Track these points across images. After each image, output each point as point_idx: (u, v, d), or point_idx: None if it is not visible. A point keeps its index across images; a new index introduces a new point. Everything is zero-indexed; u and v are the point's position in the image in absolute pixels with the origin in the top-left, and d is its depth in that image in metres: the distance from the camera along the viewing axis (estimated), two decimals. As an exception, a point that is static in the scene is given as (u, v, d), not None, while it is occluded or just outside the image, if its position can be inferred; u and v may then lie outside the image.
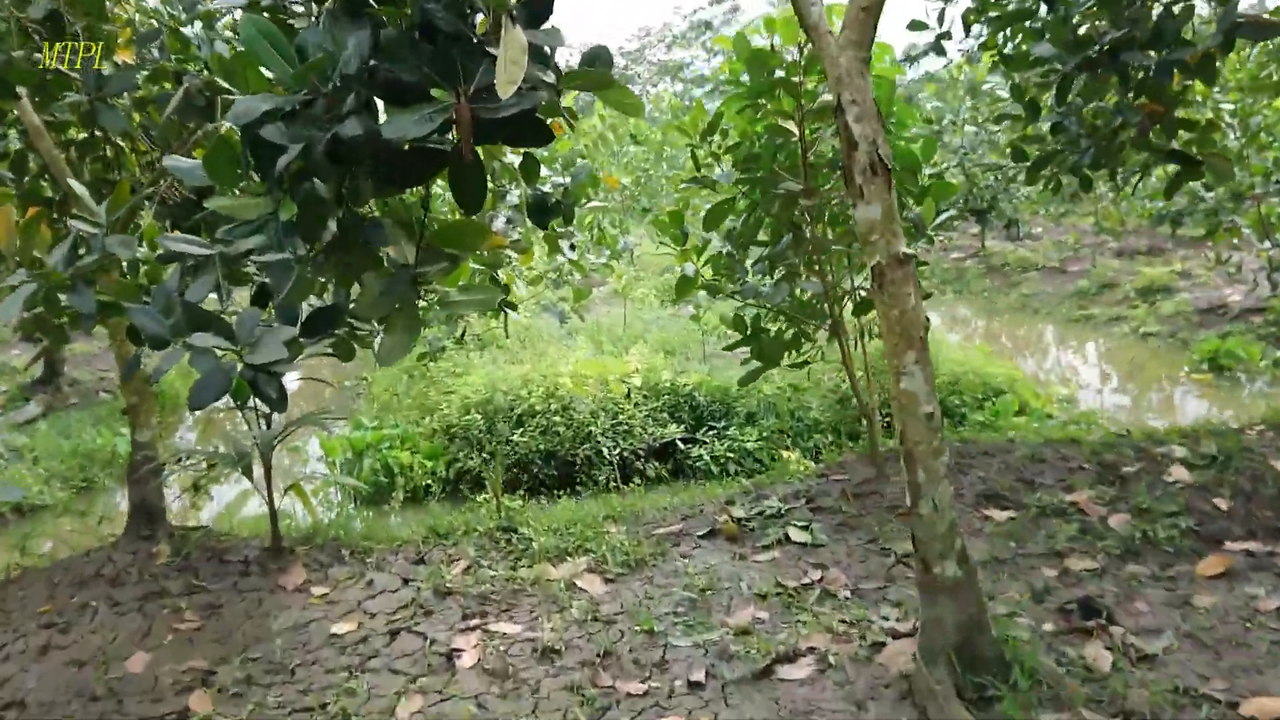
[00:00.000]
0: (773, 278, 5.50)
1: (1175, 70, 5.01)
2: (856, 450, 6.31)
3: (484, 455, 8.55)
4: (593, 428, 8.66)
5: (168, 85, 4.72)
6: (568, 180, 4.83)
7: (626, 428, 8.77)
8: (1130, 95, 5.40)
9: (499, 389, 9.16)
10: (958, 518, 3.49)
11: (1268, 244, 12.44)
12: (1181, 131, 5.60)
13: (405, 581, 4.75)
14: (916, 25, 6.15)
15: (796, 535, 4.92)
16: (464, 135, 2.24)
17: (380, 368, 5.28)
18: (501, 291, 5.09)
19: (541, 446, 8.54)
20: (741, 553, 4.88)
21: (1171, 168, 6.10)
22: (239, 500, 8.47)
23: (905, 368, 3.40)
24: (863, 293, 5.75)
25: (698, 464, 8.70)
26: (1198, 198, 11.72)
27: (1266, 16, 5.07)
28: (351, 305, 2.91)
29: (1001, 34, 6.48)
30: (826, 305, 5.54)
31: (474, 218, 2.89)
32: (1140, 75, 5.34)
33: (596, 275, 13.01)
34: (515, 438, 8.63)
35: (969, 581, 3.44)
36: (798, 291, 5.57)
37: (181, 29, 4.91)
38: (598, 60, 2.53)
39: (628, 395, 9.09)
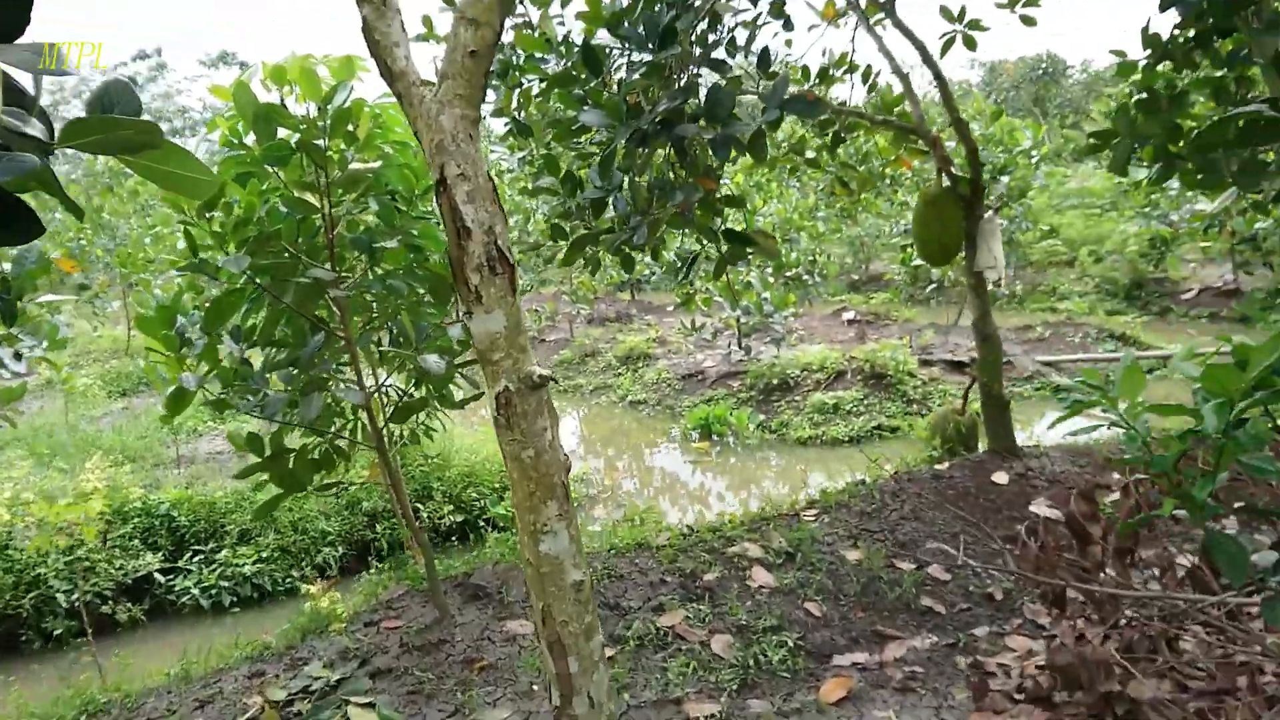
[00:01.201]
0: (298, 386, 4.45)
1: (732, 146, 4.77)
2: (402, 579, 5.37)
3: None
4: (41, 569, 6.87)
5: None
6: (8, 267, 3.49)
7: (88, 563, 7.07)
8: (683, 171, 5.12)
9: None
10: (618, 713, 2.75)
11: (737, 311, 13.34)
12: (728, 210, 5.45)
13: None
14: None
15: (360, 719, 3.90)
16: None
17: None
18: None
19: (-35, 603, 6.61)
20: (288, 756, 3.77)
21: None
22: None
23: (546, 525, 2.61)
24: (399, 395, 4.89)
25: (184, 599, 7.23)
26: (674, 266, 12.27)
27: (812, 93, 5.03)
28: None
29: (517, 97, 6.01)
30: (367, 417, 4.58)
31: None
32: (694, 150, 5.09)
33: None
34: (-79, 600, 6.60)
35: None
36: (330, 401, 4.57)
37: None
38: (116, 101, 1.49)
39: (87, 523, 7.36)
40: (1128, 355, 2.74)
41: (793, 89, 4.98)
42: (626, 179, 5.20)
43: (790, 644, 4.32)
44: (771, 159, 7.46)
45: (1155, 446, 2.71)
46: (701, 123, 4.73)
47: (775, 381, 12.35)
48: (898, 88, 6.67)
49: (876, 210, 19.57)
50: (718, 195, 5.38)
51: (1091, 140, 6.40)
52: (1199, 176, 6.27)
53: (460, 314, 2.61)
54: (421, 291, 4.63)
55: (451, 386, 4.85)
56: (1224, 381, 2.37)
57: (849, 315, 17.08)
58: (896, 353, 12.22)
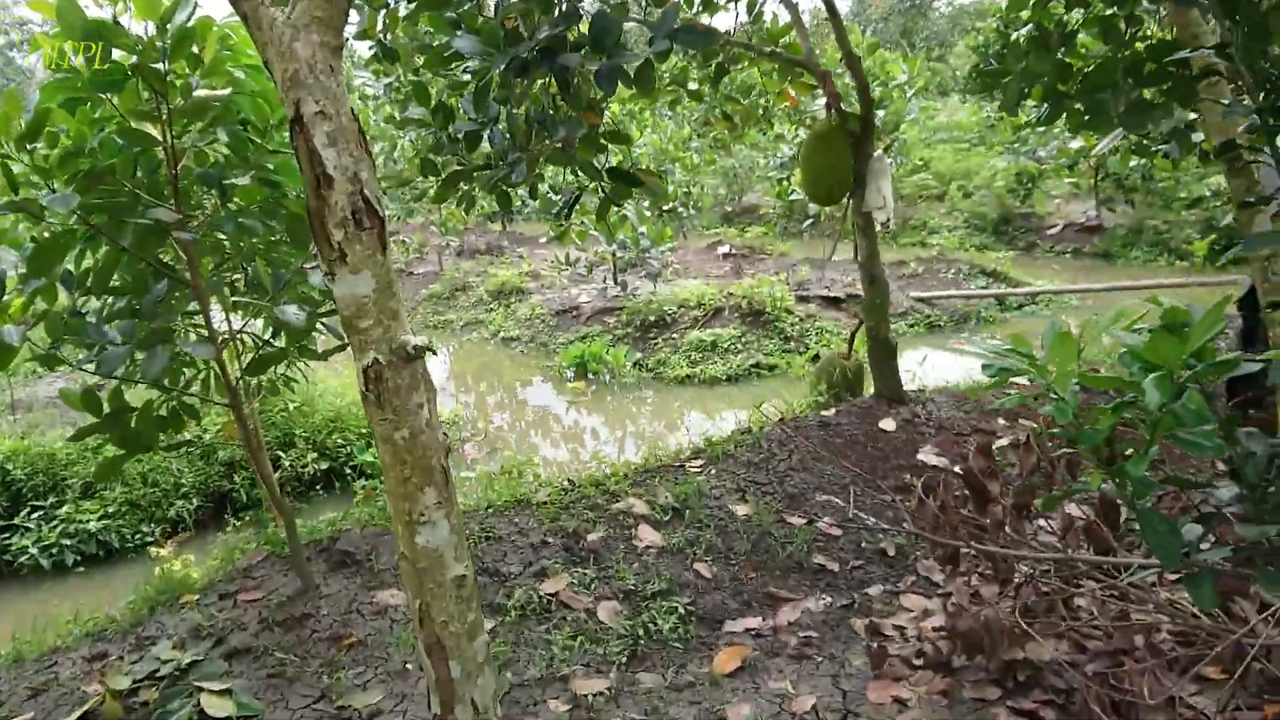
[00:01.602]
0: (140, 338, 4.00)
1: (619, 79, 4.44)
2: (262, 544, 4.97)
3: None
4: None
5: None
6: None
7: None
8: (565, 104, 4.78)
9: None
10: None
11: (614, 246, 13.06)
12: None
13: None
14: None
15: (215, 708, 3.55)
16: None
17: None
18: None
19: None
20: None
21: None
22: None
23: (423, 514, 2.32)
24: (256, 343, 4.48)
25: (22, 560, 6.71)
26: (551, 202, 11.89)
27: (705, 22, 4.72)
28: None
29: (383, 19, 5.57)
30: (220, 370, 4.16)
31: None
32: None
33: None
34: None
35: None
36: (177, 353, 4.13)
37: None
38: None
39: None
40: (1056, 324, 2.56)
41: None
42: (504, 111, 4.84)
43: (681, 610, 4.12)
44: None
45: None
46: (586, 52, 4.40)
47: (652, 318, 12.14)
48: (784, 17, 6.43)
49: (751, 141, 19.47)
50: (601, 130, 5.06)
51: (982, 78, 6.27)
52: (1086, 117, 6.24)
53: (322, 275, 2.26)
54: (279, 232, 4.21)
55: (314, 334, 4.46)
56: (1166, 353, 2.21)
57: (724, 249, 16.96)
58: (774, 289, 12.12)
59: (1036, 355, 2.52)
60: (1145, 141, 6.36)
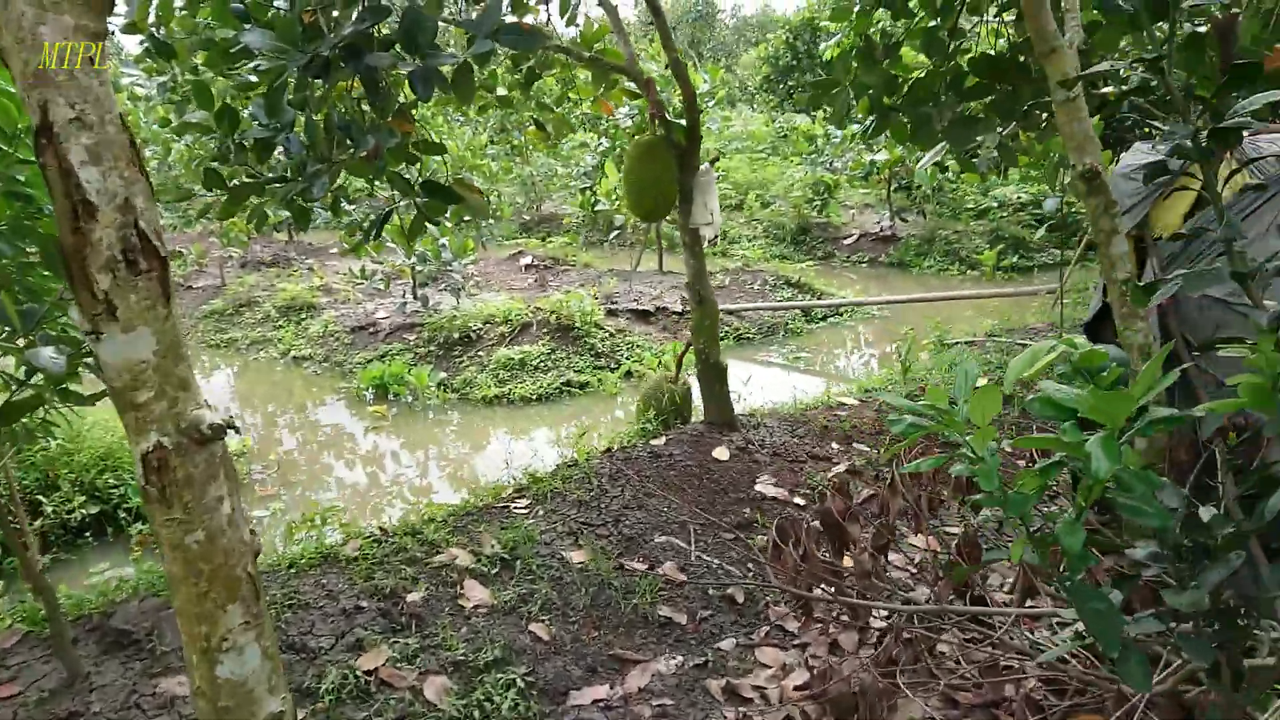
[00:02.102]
0: None
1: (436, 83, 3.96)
2: (17, 621, 4.21)
3: None
4: None
5: None
6: None
7: None
8: (373, 110, 4.26)
9: None
10: None
11: (413, 259, 12.42)
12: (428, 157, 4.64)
13: None
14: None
15: None
16: None
17: None
18: None
19: None
20: None
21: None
22: None
23: (225, 638, 1.81)
24: (6, 384, 3.76)
25: None
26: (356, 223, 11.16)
27: (531, 23, 4.29)
28: None
29: (155, 8, 4.90)
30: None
31: None
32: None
33: None
34: None
35: None
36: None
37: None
38: None
39: None
40: (971, 373, 2.27)
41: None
42: (301, 117, 4.27)
43: (519, 682, 3.67)
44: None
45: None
46: (395, 51, 3.91)
47: (456, 335, 11.56)
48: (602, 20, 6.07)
49: (551, 150, 19.07)
50: (414, 139, 4.57)
51: (812, 91, 6.08)
52: (911, 130, 6.14)
53: (83, 333, 1.72)
54: (32, 256, 3.54)
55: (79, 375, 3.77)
56: (1113, 411, 1.93)
57: (527, 260, 16.51)
58: (583, 303, 11.77)
59: (950, 404, 2.22)
60: (969, 156, 6.33)
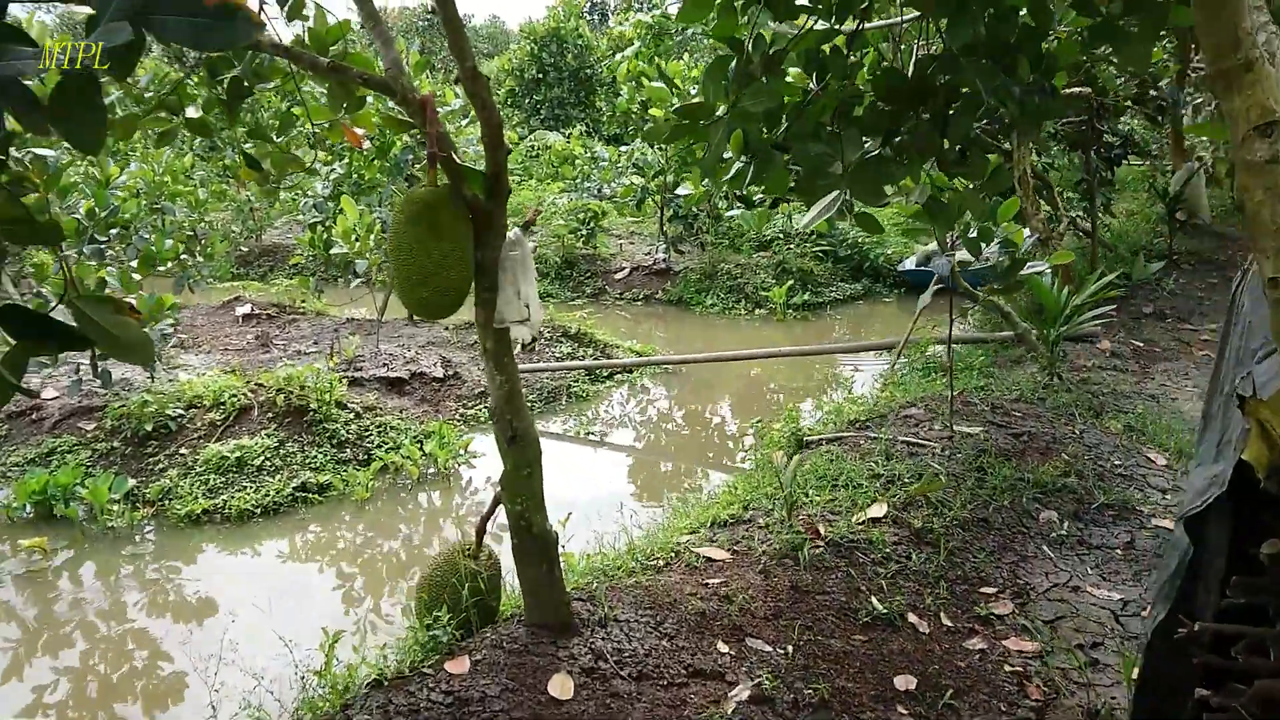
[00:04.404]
0: None
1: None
2: None
3: None
4: None
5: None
6: None
7: None
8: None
9: None
10: None
11: (89, 323, 9.67)
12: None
13: None
14: None
15: None
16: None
17: None
18: None
19: None
20: None
21: None
22: None
23: None
24: None
25: None
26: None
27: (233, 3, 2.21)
28: None
29: None
30: None
31: None
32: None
33: None
34: None
35: None
36: None
37: None
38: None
39: None
40: None
41: None
42: None
43: None
44: (127, 120, 4.41)
45: None
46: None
47: (150, 426, 8.91)
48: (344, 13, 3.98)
49: (269, 193, 16.43)
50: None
51: (678, 122, 4.19)
52: (801, 178, 4.41)
53: None
54: None
55: None
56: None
57: (244, 309, 13.80)
58: (320, 377, 9.43)
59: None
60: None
